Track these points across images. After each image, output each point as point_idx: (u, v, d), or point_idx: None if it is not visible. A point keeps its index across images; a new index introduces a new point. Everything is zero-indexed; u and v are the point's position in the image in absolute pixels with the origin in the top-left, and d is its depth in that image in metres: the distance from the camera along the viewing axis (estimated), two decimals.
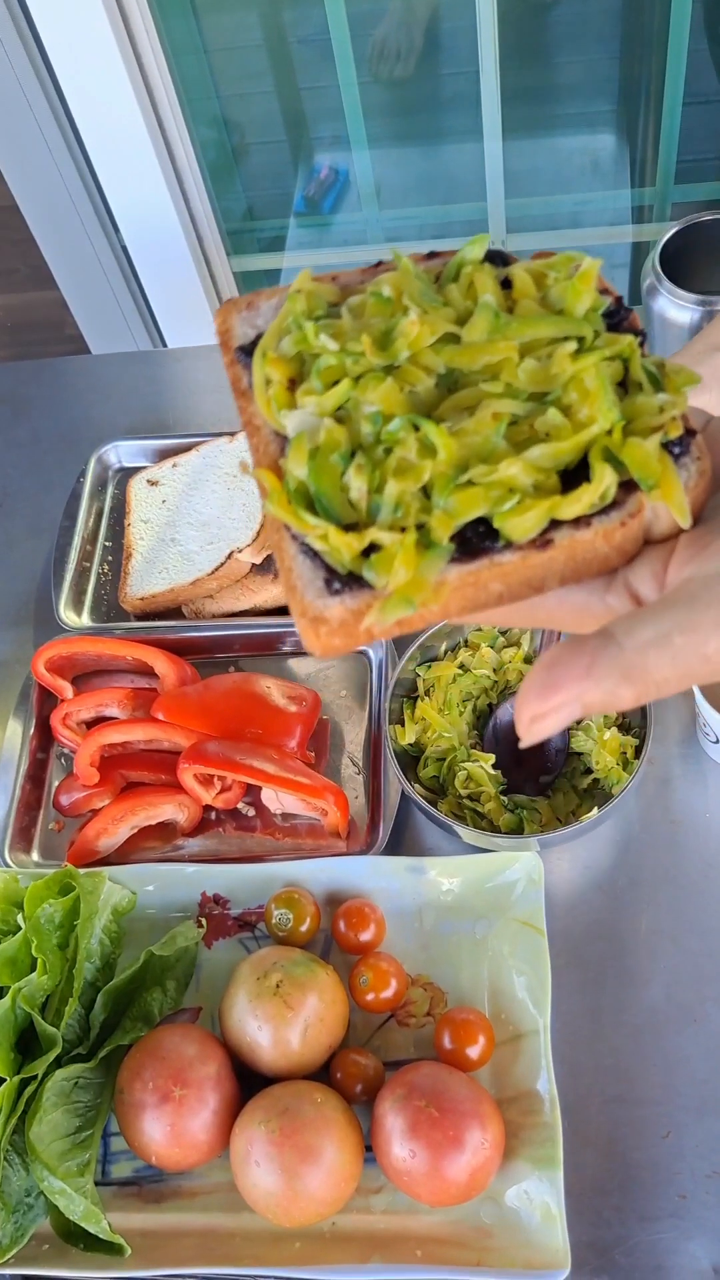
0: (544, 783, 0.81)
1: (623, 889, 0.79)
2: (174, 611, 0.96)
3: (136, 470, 1.04)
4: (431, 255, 0.36)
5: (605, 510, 0.32)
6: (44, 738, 0.91)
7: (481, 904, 0.77)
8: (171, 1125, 0.67)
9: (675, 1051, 0.73)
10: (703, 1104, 0.71)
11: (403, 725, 0.82)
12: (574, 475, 0.32)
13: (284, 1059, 0.69)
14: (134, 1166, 0.71)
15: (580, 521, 0.31)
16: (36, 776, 0.89)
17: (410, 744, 0.81)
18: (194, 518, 0.96)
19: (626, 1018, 0.74)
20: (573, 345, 0.33)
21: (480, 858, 0.77)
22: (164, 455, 1.05)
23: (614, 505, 0.32)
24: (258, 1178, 0.65)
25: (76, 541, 1.00)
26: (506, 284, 0.35)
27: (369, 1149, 0.68)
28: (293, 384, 0.34)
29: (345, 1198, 0.67)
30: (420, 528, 0.31)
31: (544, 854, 0.78)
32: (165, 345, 1.77)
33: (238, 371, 0.35)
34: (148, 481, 1.01)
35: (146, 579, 0.95)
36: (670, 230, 0.94)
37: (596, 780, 0.80)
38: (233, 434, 0.99)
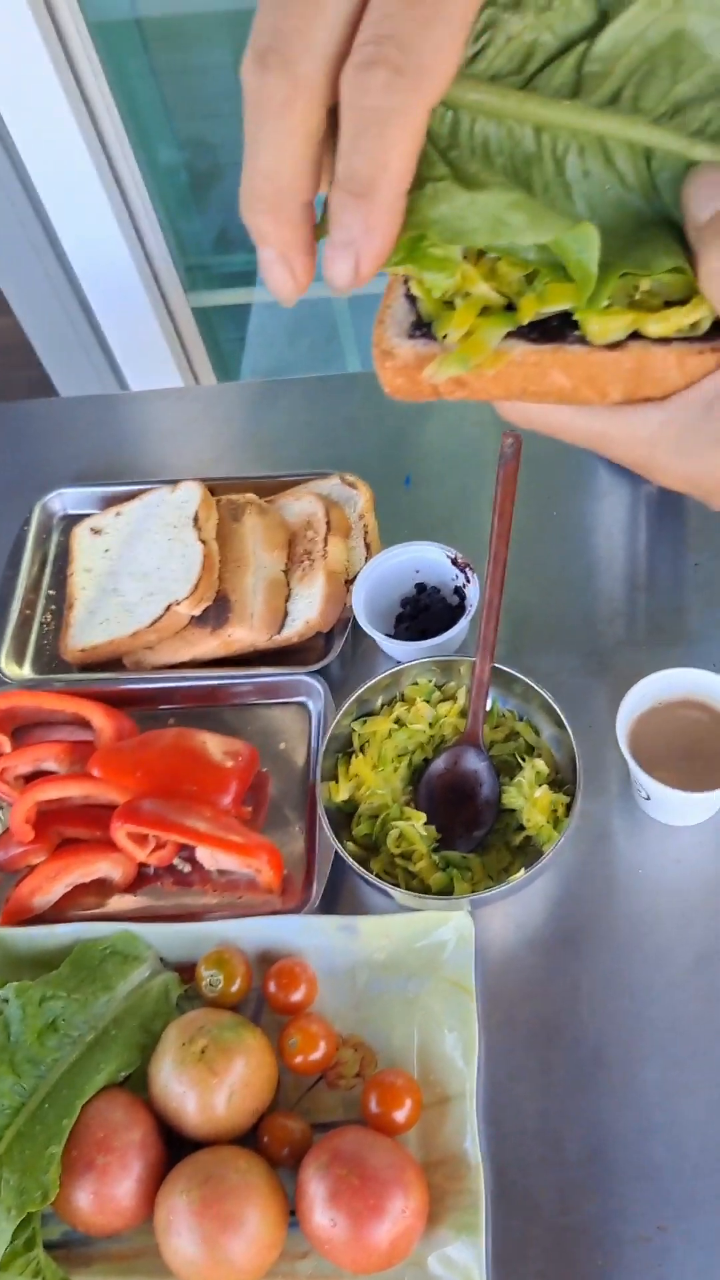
0: (476, 838, 0.81)
1: (554, 947, 0.79)
2: (116, 662, 0.96)
3: (82, 517, 1.04)
4: None
5: (690, 339, 0.32)
6: None
7: (414, 962, 0.77)
8: (95, 1193, 0.67)
9: (604, 1113, 0.73)
10: (631, 1167, 0.71)
11: (336, 782, 0.82)
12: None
13: (209, 1124, 0.69)
14: (62, 1230, 0.71)
15: (661, 340, 0.32)
16: None
17: (345, 800, 0.81)
18: (134, 568, 0.96)
19: (556, 1078, 0.74)
20: None
21: (412, 916, 0.77)
22: (110, 502, 1.05)
23: (702, 339, 0.32)
24: (179, 1246, 0.65)
25: (19, 590, 1.00)
26: None
27: (295, 1214, 0.68)
28: None
29: (268, 1265, 0.66)
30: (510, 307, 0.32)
31: (476, 912, 0.78)
32: (128, 387, 1.76)
33: None
34: (91, 530, 1.01)
35: (88, 630, 0.95)
36: None
37: (529, 837, 0.80)
38: (175, 482, 0.99)
